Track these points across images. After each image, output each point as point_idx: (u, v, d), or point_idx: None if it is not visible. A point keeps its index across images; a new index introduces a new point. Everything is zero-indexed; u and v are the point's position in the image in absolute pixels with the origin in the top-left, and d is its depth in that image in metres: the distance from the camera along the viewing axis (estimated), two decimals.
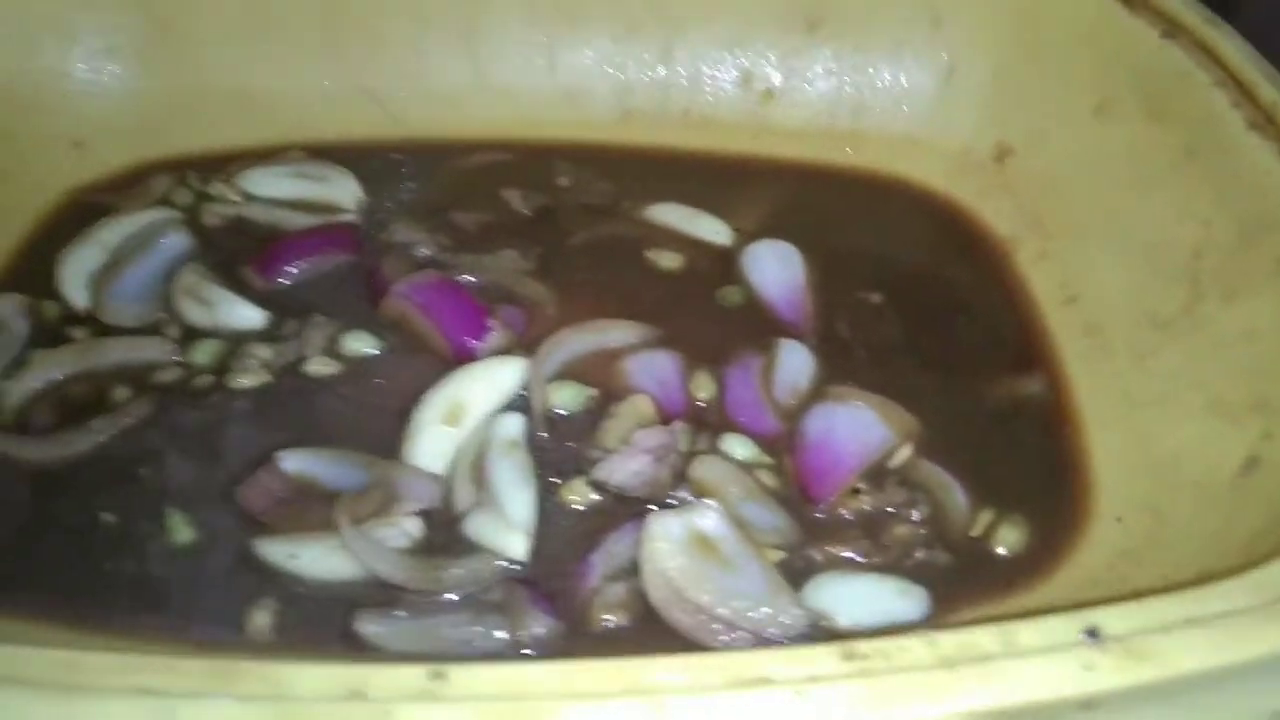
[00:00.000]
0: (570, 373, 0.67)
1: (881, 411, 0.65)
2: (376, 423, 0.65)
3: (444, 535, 0.59)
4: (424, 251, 0.74)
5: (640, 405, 0.65)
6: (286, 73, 0.83)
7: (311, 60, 0.83)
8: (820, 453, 0.63)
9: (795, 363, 0.69)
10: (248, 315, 0.70)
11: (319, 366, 0.67)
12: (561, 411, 0.66)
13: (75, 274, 0.73)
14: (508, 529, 0.58)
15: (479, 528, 0.59)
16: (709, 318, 0.73)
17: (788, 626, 0.54)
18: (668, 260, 0.76)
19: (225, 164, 0.80)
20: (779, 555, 0.59)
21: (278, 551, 0.58)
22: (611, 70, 0.85)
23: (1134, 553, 0.59)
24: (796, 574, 0.58)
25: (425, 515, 0.60)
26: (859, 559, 0.60)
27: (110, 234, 0.75)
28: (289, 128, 0.82)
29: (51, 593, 0.57)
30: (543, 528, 0.60)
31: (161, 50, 0.81)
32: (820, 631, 0.55)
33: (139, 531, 0.60)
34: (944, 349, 0.72)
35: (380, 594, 0.57)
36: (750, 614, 0.54)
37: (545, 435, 0.64)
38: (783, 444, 0.65)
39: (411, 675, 0.37)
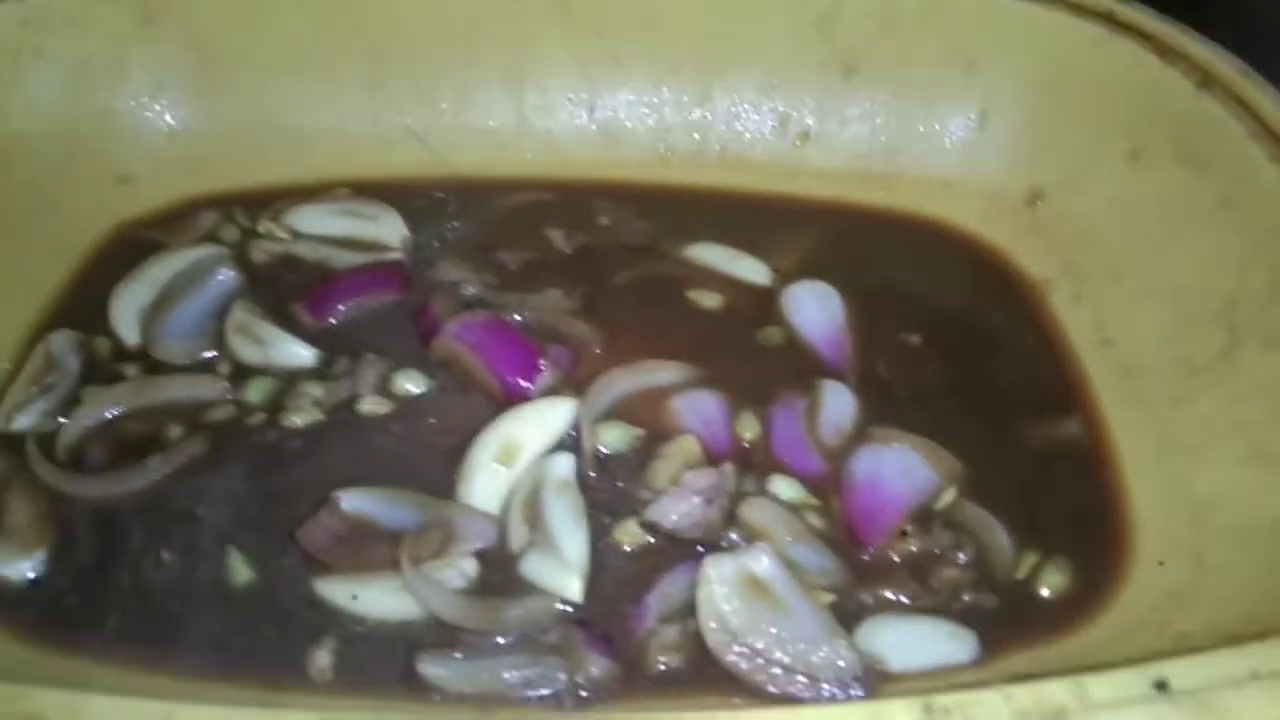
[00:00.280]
0: (618, 412, 0.69)
1: (926, 454, 0.66)
2: (429, 461, 0.66)
3: (499, 575, 0.60)
4: (470, 290, 0.76)
5: (687, 445, 0.66)
6: (333, 111, 0.84)
7: (357, 99, 0.84)
8: (869, 496, 0.64)
9: (838, 403, 0.70)
10: (299, 353, 0.71)
11: (371, 405, 0.68)
12: (608, 451, 0.67)
13: (126, 310, 0.74)
14: (563, 570, 0.59)
15: (534, 568, 0.60)
16: (751, 358, 0.74)
17: (842, 670, 0.55)
18: (709, 300, 0.78)
19: (271, 201, 0.82)
20: (829, 597, 0.60)
21: (338, 591, 0.59)
22: (651, 112, 0.87)
23: (1177, 596, 0.60)
24: (847, 616, 0.59)
25: (480, 555, 0.61)
26: (907, 602, 0.61)
27: (160, 270, 0.76)
28: (334, 165, 0.84)
29: (114, 632, 0.58)
30: (595, 568, 0.61)
31: (209, 87, 0.83)
32: (874, 675, 0.56)
33: (198, 571, 0.61)
34: (982, 390, 0.73)
35: (439, 634, 0.58)
36: (807, 658, 0.55)
37: (593, 475, 0.65)
38: (828, 485, 0.66)
39: None
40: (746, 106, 0.86)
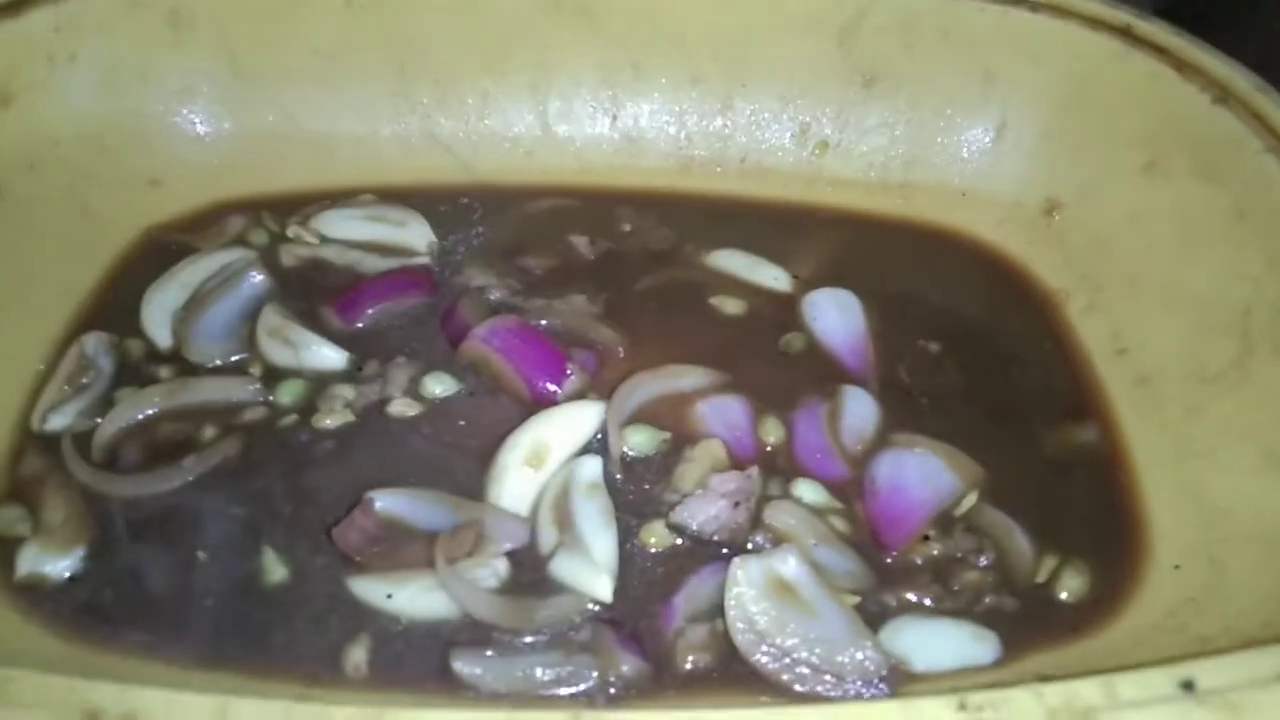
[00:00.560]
0: (643, 416, 0.70)
1: (948, 459, 0.67)
2: (459, 463, 0.67)
3: (530, 575, 0.62)
4: (496, 295, 0.77)
5: (713, 449, 0.68)
6: (359, 118, 0.85)
7: (384, 106, 0.86)
8: (892, 500, 0.65)
9: (860, 409, 0.71)
10: (330, 356, 0.72)
11: (402, 407, 0.69)
12: (635, 454, 0.68)
13: (158, 313, 0.75)
14: (593, 570, 0.60)
15: (565, 569, 0.61)
16: (773, 363, 0.75)
17: (868, 670, 0.56)
18: (731, 306, 0.79)
19: (298, 205, 0.83)
20: (854, 599, 0.61)
21: (373, 590, 0.60)
22: (673, 121, 0.88)
23: (1194, 600, 0.61)
24: (871, 618, 0.60)
25: (511, 555, 0.62)
26: (930, 604, 0.62)
27: (191, 273, 0.77)
28: (360, 171, 0.85)
29: (151, 629, 0.59)
30: (624, 569, 0.62)
31: (238, 93, 0.84)
32: (899, 675, 0.57)
33: (234, 569, 0.62)
34: (1001, 397, 0.74)
35: (472, 632, 0.59)
36: (834, 657, 0.56)
37: (620, 478, 0.67)
38: (851, 489, 0.67)
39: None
40: (767, 116, 0.87)
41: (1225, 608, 0.59)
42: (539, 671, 0.57)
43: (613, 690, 0.57)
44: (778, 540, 0.63)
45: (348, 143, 0.86)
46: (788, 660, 0.57)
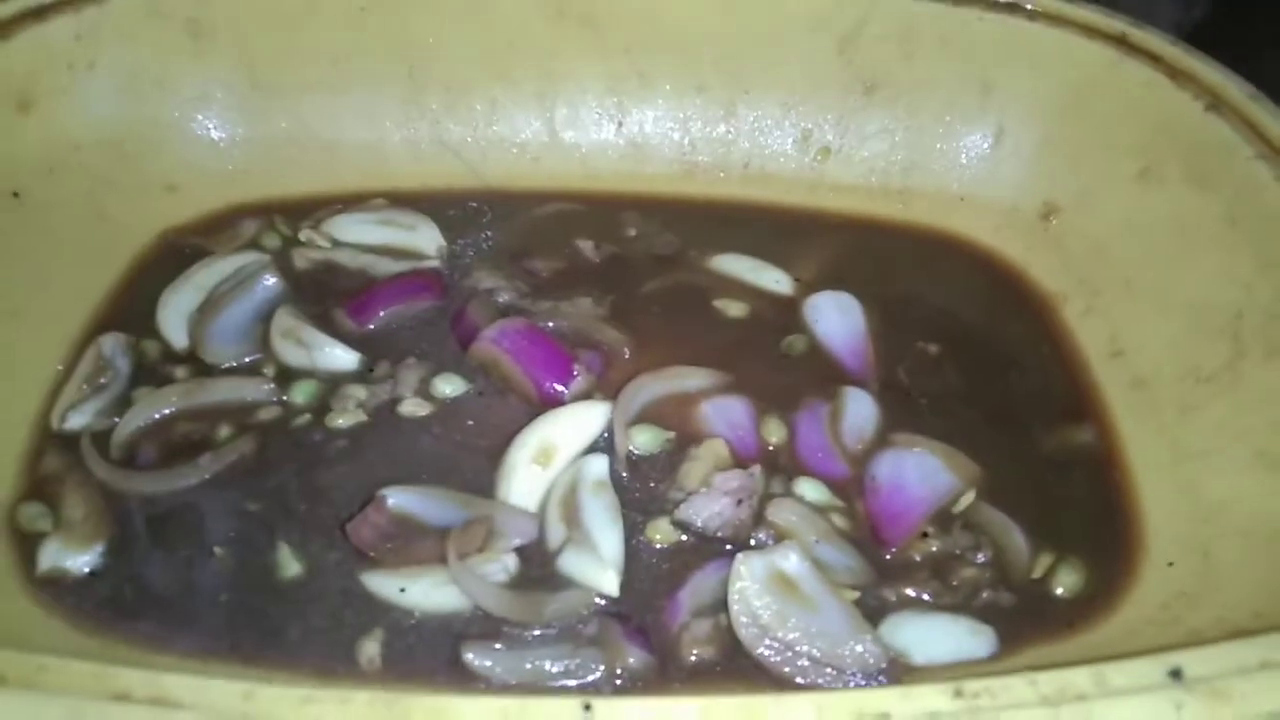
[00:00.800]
0: (649, 416, 0.71)
1: (946, 459, 0.69)
2: (469, 461, 0.68)
3: (539, 570, 0.63)
4: (504, 297, 0.79)
5: (717, 448, 0.69)
6: (370, 124, 0.87)
7: (395, 113, 0.88)
8: (891, 498, 0.67)
9: (861, 409, 0.73)
10: (342, 357, 0.73)
11: (413, 407, 0.71)
12: (640, 453, 0.70)
13: (174, 314, 0.77)
14: (600, 566, 0.62)
15: (572, 564, 0.63)
16: (775, 364, 0.77)
17: (868, 663, 0.58)
18: (734, 309, 0.80)
19: (311, 209, 0.85)
20: (854, 595, 0.63)
21: (386, 585, 0.62)
22: (677, 127, 0.90)
23: (1187, 595, 0.63)
24: (871, 613, 0.62)
25: (520, 551, 0.63)
26: (929, 599, 0.64)
27: (205, 276, 0.79)
28: (371, 176, 0.87)
29: (171, 623, 0.61)
30: (630, 564, 0.63)
31: (253, 101, 0.86)
32: (898, 668, 0.59)
33: (249, 564, 0.64)
34: (999, 398, 0.76)
35: (483, 626, 0.60)
36: (835, 651, 0.58)
37: (626, 476, 0.68)
38: (852, 487, 0.69)
39: (564, 708, 0.41)
40: (769, 123, 0.89)
41: (1216, 602, 0.61)
42: (547, 664, 0.58)
43: (619, 682, 0.58)
44: (780, 537, 0.65)
45: (359, 149, 0.87)
46: (790, 653, 0.58)
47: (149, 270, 0.81)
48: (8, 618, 0.59)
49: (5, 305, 0.72)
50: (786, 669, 0.58)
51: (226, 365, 0.74)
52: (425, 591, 0.61)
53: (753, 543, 0.65)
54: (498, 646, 0.59)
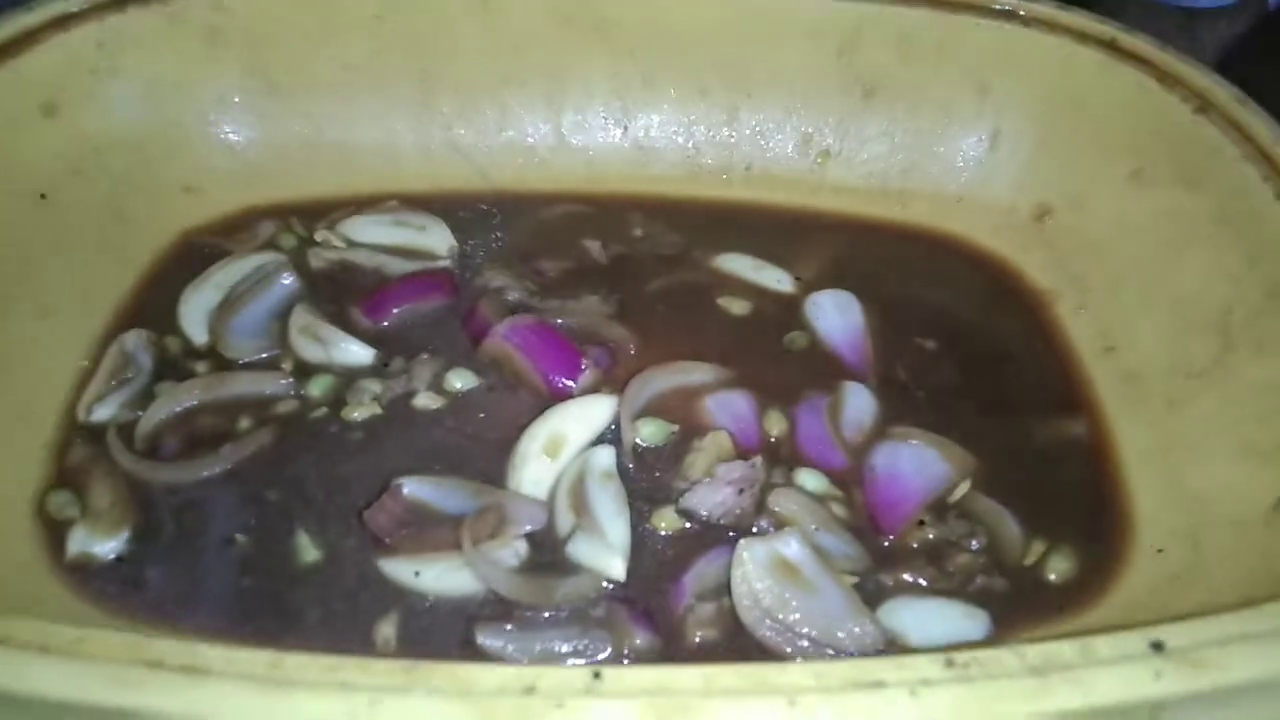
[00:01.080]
0: (654, 409, 0.74)
1: (942, 450, 0.71)
2: (481, 453, 0.71)
3: (548, 556, 0.65)
4: (514, 296, 0.81)
5: (720, 440, 0.71)
6: (383, 129, 0.90)
7: (406, 117, 0.90)
8: (889, 488, 0.69)
9: (859, 403, 0.75)
10: (358, 353, 0.76)
11: (426, 401, 0.73)
12: (646, 444, 0.72)
13: (194, 312, 0.79)
14: (608, 551, 0.64)
15: (581, 550, 0.65)
16: (777, 360, 0.79)
17: (867, 645, 0.60)
18: (737, 306, 0.83)
19: (326, 211, 0.87)
20: (853, 580, 0.65)
21: (402, 570, 0.64)
22: (681, 131, 0.92)
23: (1175, 581, 0.65)
24: (869, 597, 0.64)
25: (531, 537, 0.66)
26: (925, 585, 0.66)
27: (225, 275, 0.81)
28: (385, 179, 0.89)
29: (194, 605, 0.63)
30: (636, 551, 0.66)
31: (269, 106, 0.88)
32: (895, 649, 0.61)
33: (269, 550, 0.66)
34: (994, 392, 0.78)
35: (494, 609, 0.63)
36: (833, 632, 0.60)
37: (632, 466, 0.70)
38: (851, 478, 0.71)
39: (576, 675, 0.43)
40: (771, 126, 0.92)
41: (1203, 587, 0.63)
42: (557, 644, 0.61)
43: (626, 662, 0.60)
44: (781, 524, 0.67)
45: (372, 152, 0.90)
46: (790, 634, 0.60)
47: (169, 269, 0.83)
48: (39, 600, 0.62)
49: (33, 303, 0.75)
50: (788, 649, 0.60)
51: (246, 360, 0.77)
52: (439, 575, 0.63)
53: (755, 530, 0.67)
54: (509, 628, 0.61)
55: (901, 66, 0.88)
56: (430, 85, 0.89)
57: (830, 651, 0.60)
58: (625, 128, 0.92)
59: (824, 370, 0.78)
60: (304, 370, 0.76)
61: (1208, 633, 0.46)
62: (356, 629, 0.62)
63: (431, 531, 0.65)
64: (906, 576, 0.66)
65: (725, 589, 0.63)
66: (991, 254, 0.88)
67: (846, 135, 0.91)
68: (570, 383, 0.73)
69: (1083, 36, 0.83)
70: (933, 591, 0.65)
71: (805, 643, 0.60)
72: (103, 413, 0.72)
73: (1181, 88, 0.78)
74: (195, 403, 0.73)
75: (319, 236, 0.85)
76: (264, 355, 0.77)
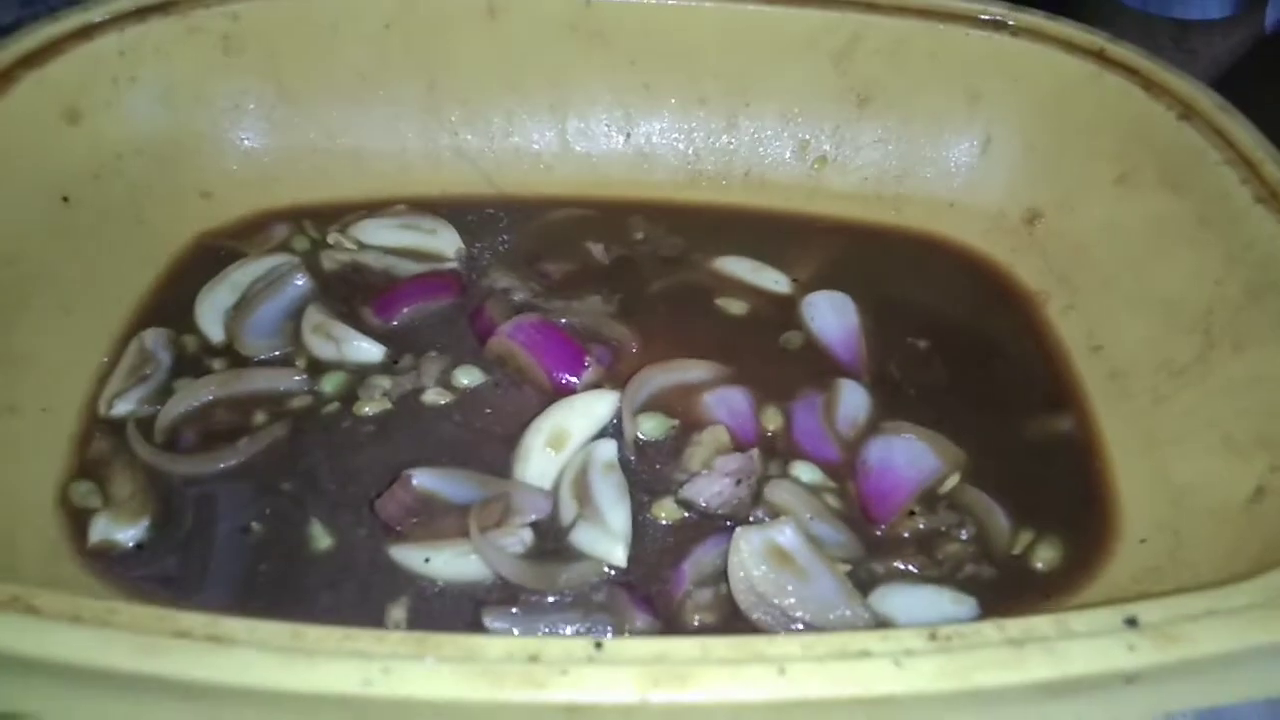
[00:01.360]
0: (655, 405, 0.76)
1: (933, 444, 0.73)
2: (487, 446, 0.73)
3: (553, 543, 0.68)
4: (519, 296, 0.84)
5: (719, 434, 0.74)
6: (393, 135, 0.92)
7: (415, 124, 0.93)
8: (881, 480, 0.72)
9: (853, 399, 0.77)
10: (369, 350, 0.79)
11: (434, 396, 0.76)
12: (647, 438, 0.75)
13: (211, 311, 0.82)
14: (609, 539, 0.67)
15: (584, 538, 0.67)
16: (774, 358, 0.81)
17: (857, 629, 0.62)
18: (735, 307, 0.85)
19: (337, 214, 0.90)
20: (845, 568, 0.67)
21: (412, 556, 0.66)
22: (682, 137, 0.95)
23: (1157, 569, 0.67)
24: (860, 584, 0.66)
25: (535, 526, 0.68)
26: (915, 572, 0.68)
27: (240, 276, 0.84)
28: (393, 183, 0.92)
29: (212, 590, 0.66)
30: (637, 539, 0.68)
31: (283, 112, 0.91)
32: None
33: (284, 538, 0.68)
34: (984, 389, 0.81)
35: (501, 593, 0.65)
36: (826, 616, 0.62)
37: (634, 459, 0.73)
38: (845, 470, 0.73)
39: (578, 644, 0.46)
40: (769, 133, 0.94)
41: (1184, 576, 0.65)
42: (560, 627, 0.63)
43: None
44: (776, 514, 0.69)
45: (382, 157, 0.92)
46: (784, 618, 0.63)
47: (186, 270, 0.86)
48: (63, 584, 0.64)
49: (56, 301, 0.77)
50: (781, 632, 0.62)
51: (261, 358, 0.79)
52: (448, 562, 0.66)
53: (751, 520, 0.69)
54: (515, 611, 0.64)
55: (895, 75, 0.91)
56: (438, 93, 0.92)
57: None
58: (627, 134, 0.95)
59: (819, 368, 0.80)
60: (317, 367, 0.78)
61: (1179, 609, 0.48)
62: (369, 612, 0.64)
63: (440, 520, 0.67)
64: (897, 564, 0.68)
65: (722, 575, 0.65)
66: (983, 256, 0.91)
67: (842, 142, 0.93)
68: (574, 379, 0.76)
69: (1071, 46, 0.86)
70: (923, 579, 0.68)
71: (799, 626, 0.62)
72: (123, 407, 0.75)
73: (1166, 95, 0.80)
74: (212, 398, 0.76)
75: (331, 239, 0.88)
76: (278, 353, 0.80)
